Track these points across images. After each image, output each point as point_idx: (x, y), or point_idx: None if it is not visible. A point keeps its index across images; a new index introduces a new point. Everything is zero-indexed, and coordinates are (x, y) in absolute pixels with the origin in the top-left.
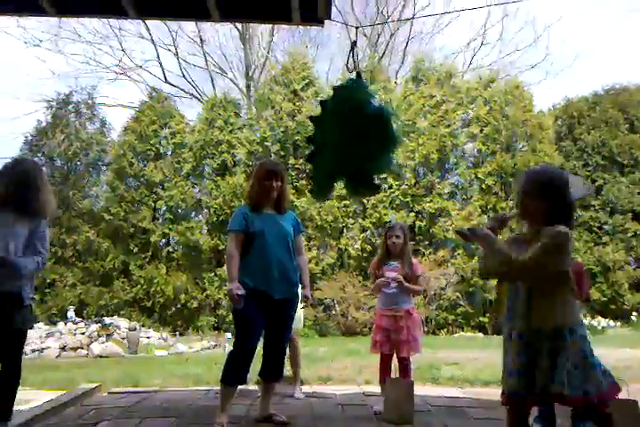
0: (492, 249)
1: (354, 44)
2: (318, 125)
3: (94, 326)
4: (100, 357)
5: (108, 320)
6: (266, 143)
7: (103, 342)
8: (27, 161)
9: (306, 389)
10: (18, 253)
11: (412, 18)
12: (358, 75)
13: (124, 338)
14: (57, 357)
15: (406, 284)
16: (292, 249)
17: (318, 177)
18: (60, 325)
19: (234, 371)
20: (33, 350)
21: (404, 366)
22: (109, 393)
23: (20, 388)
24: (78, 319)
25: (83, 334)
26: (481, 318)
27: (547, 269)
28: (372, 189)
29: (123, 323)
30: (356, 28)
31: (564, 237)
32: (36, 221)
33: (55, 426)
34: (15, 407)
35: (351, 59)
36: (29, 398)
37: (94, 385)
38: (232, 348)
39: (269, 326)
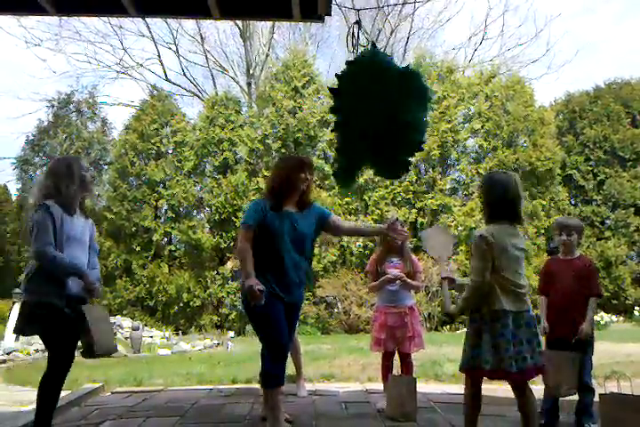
0: (468, 302)
1: (357, 23)
2: (339, 97)
3: None
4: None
5: (110, 320)
6: (267, 141)
7: None
8: (77, 159)
9: (309, 387)
10: (89, 266)
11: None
12: (373, 44)
13: (127, 337)
14: None
15: (409, 280)
16: (307, 251)
17: (344, 155)
18: None
19: (275, 372)
20: (36, 351)
21: (407, 363)
22: (113, 393)
23: (23, 388)
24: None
25: None
26: None
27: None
28: (402, 167)
29: (126, 322)
30: (357, 10)
31: (477, 239)
32: (92, 225)
33: (59, 426)
34: (18, 408)
35: (356, 39)
36: (32, 399)
37: (98, 385)
38: (265, 350)
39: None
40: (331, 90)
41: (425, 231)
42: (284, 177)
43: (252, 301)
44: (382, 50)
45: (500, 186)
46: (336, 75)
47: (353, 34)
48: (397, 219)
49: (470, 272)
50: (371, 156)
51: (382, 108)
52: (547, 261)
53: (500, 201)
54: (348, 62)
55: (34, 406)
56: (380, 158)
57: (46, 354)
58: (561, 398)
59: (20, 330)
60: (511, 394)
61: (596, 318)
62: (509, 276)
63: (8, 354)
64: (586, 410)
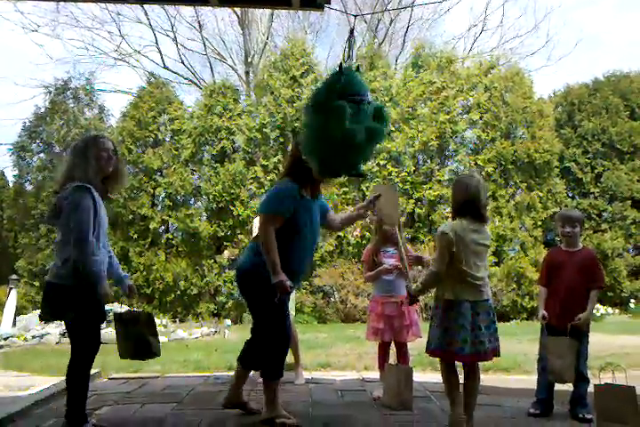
0: (425, 286)
1: (351, 32)
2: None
3: None
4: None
5: (108, 307)
6: (265, 130)
7: (103, 329)
8: (96, 137)
9: (305, 375)
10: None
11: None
12: (357, 69)
13: None
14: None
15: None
16: (317, 242)
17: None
18: None
19: (282, 364)
20: (33, 337)
21: (403, 352)
22: (110, 379)
23: (21, 373)
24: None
25: None
26: None
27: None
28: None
29: (123, 310)
30: (355, 16)
31: (439, 234)
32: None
33: (56, 411)
34: (15, 393)
35: (350, 48)
36: (29, 385)
37: (95, 371)
38: (273, 341)
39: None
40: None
41: (377, 186)
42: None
43: (280, 295)
44: (382, 39)
45: (462, 187)
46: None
47: (349, 44)
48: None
49: (432, 262)
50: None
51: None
52: (549, 253)
53: (462, 200)
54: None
55: (31, 391)
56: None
57: (42, 340)
58: (555, 388)
59: (54, 315)
60: (510, 384)
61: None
62: (467, 268)
63: (5, 340)
64: (580, 400)
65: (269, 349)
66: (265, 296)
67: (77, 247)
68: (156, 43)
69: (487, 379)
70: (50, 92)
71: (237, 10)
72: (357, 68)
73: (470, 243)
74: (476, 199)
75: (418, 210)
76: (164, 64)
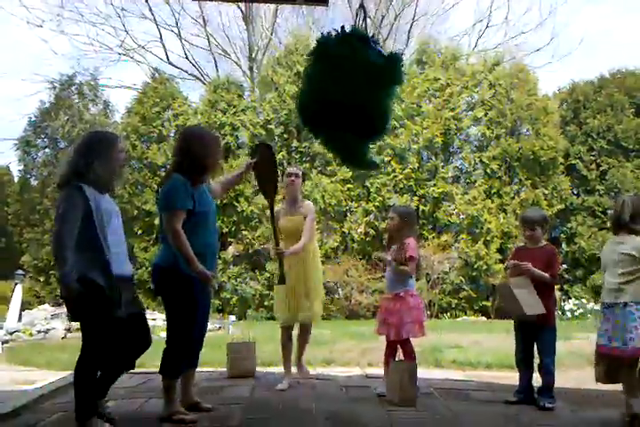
0: None
1: (362, 7)
2: (311, 62)
3: None
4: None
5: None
6: (269, 126)
7: None
8: (116, 136)
9: (309, 371)
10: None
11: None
12: (342, 28)
13: None
14: (62, 338)
15: (400, 267)
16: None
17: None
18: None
19: (179, 362)
20: (39, 331)
21: (404, 349)
22: None
23: (26, 368)
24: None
25: None
26: (484, 303)
27: None
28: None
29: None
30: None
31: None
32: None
33: (61, 406)
34: (20, 388)
35: (361, 25)
36: (35, 379)
37: None
38: (176, 338)
39: (203, 312)
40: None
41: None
42: (208, 151)
43: (206, 283)
44: (386, 36)
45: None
46: (317, 40)
47: (357, 20)
48: (394, 206)
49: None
50: (327, 137)
51: (348, 88)
52: (513, 251)
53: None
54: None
55: (36, 385)
56: (336, 143)
57: (47, 335)
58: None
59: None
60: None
61: (597, 307)
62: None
63: (11, 334)
64: (545, 391)
65: (171, 345)
66: (178, 292)
67: (54, 257)
68: (161, 38)
69: (489, 375)
70: (55, 88)
71: (242, 5)
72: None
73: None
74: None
75: (422, 207)
76: (168, 60)
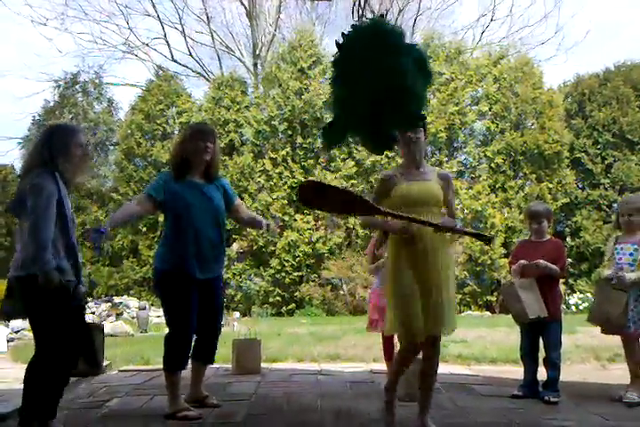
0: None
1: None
2: (341, 52)
3: (104, 306)
4: (111, 336)
5: (117, 300)
6: (273, 122)
7: (113, 322)
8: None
9: (314, 366)
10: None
11: None
12: (382, 16)
13: (133, 317)
14: None
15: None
16: (222, 224)
17: (336, 111)
18: None
19: (181, 354)
20: None
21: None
22: (120, 371)
23: None
24: (88, 299)
25: (93, 313)
26: (488, 297)
27: None
28: (387, 142)
29: (132, 302)
30: None
31: None
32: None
33: (67, 403)
34: None
35: (362, 8)
36: None
37: (105, 363)
38: (171, 332)
39: (201, 308)
40: (337, 44)
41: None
42: (186, 146)
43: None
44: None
45: None
46: (342, 33)
47: (359, 3)
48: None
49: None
50: (361, 123)
51: (382, 75)
52: (517, 245)
53: None
54: (353, 26)
55: None
56: (370, 128)
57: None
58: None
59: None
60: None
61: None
62: None
63: (15, 333)
64: (550, 385)
65: (167, 339)
66: (170, 291)
67: (30, 253)
68: (165, 35)
69: (493, 370)
70: (59, 86)
71: (245, 2)
72: (383, 15)
73: None
74: None
75: None
76: (172, 57)
